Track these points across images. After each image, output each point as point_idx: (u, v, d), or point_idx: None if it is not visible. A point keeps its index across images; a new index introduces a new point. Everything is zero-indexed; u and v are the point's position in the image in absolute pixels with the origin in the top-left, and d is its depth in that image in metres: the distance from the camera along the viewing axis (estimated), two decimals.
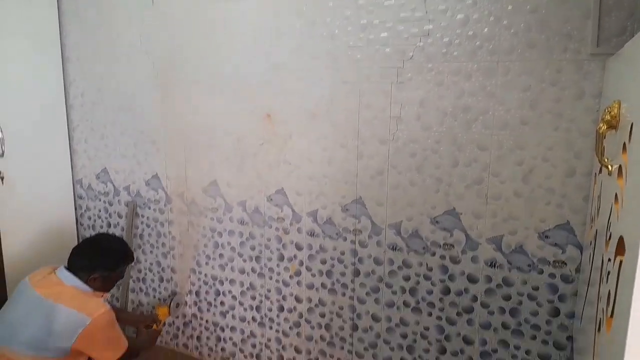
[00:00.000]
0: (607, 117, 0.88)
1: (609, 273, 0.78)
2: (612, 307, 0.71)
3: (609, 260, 0.79)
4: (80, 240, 2.45)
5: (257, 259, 2.05)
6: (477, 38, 1.50)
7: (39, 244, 2.28)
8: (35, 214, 2.26)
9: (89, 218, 2.48)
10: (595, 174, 1.28)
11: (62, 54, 2.33)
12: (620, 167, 0.80)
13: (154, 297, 2.37)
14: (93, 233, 2.49)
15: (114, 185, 2.36)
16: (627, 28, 1.31)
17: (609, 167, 0.87)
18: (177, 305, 2.23)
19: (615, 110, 0.87)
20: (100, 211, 2.43)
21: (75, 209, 2.49)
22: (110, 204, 2.39)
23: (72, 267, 1.71)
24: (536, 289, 1.55)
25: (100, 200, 2.42)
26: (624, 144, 0.76)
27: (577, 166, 1.42)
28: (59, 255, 2.39)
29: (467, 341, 1.69)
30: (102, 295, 1.75)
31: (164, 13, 2.04)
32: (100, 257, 1.73)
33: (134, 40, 2.14)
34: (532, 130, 1.46)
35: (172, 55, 2.05)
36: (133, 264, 2.29)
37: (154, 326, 2.09)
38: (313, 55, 1.75)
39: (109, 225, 2.42)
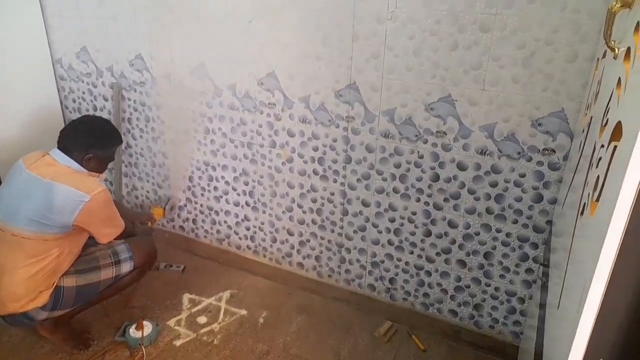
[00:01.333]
0: None
1: (600, 159, 0.78)
2: (600, 192, 0.71)
3: (602, 146, 0.78)
4: (66, 122, 2.42)
5: (249, 145, 2.04)
6: None
7: (26, 127, 2.24)
8: (19, 97, 2.18)
9: (74, 100, 2.41)
10: (598, 58, 1.22)
11: None
12: (628, 49, 0.75)
13: (147, 181, 2.40)
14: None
15: (95, 66, 2.25)
16: None
17: (616, 49, 0.82)
18: (172, 207, 2.30)
19: None
20: (84, 93, 2.36)
21: (58, 90, 2.41)
22: (95, 86, 2.31)
23: (63, 149, 1.70)
24: (523, 176, 1.57)
25: (83, 81, 2.33)
26: (638, 22, 0.70)
27: (580, 50, 1.35)
28: (46, 138, 2.36)
29: (452, 225, 1.76)
30: (98, 176, 1.76)
31: None
32: (91, 137, 1.71)
33: None
34: (539, 8, 1.36)
35: None
36: (124, 148, 2.28)
37: (148, 224, 2.16)
38: None
39: (95, 108, 2.36)
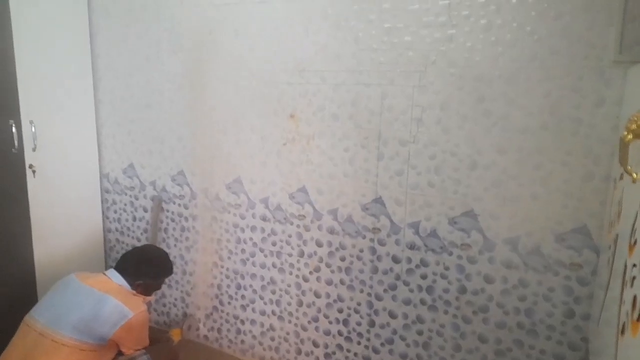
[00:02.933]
0: (634, 126, 0.92)
1: (634, 278, 0.82)
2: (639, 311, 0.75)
3: (634, 265, 0.83)
4: (105, 231, 2.56)
5: (278, 254, 2.11)
6: (500, 44, 1.54)
7: (67, 236, 2.37)
8: (63, 206, 2.34)
9: (115, 212, 2.57)
10: (615, 179, 1.31)
11: (91, 50, 2.41)
12: None
13: (177, 289, 2.45)
14: (118, 226, 2.58)
15: (139, 180, 2.44)
16: None
17: (634, 175, 0.91)
18: (190, 327, 2.38)
19: None
20: (126, 205, 2.52)
21: (102, 202, 2.58)
22: (137, 198, 2.47)
23: (120, 270, 1.91)
24: (552, 290, 1.58)
25: (126, 194, 2.51)
26: None
27: (595, 171, 1.45)
28: (85, 247, 2.49)
29: (482, 339, 1.73)
30: (144, 299, 1.93)
31: (193, 11, 2.10)
32: (147, 267, 1.96)
33: (162, 37, 2.21)
34: (552, 135, 1.49)
35: (201, 53, 2.12)
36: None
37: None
38: (337, 57, 1.81)
39: (134, 218, 2.51)
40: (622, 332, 0.84)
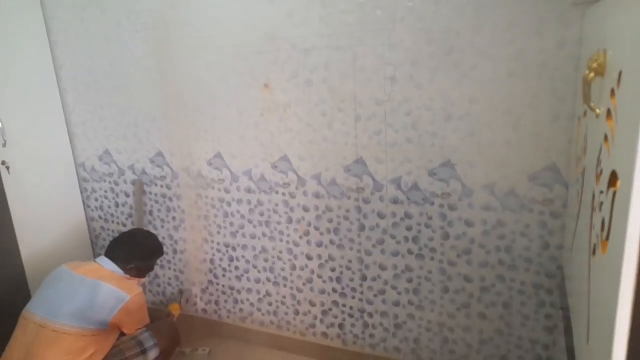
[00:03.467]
0: (594, 64, 0.98)
1: (601, 203, 0.91)
2: (608, 231, 0.84)
3: (601, 192, 0.92)
4: (88, 220, 2.55)
5: (267, 223, 2.16)
6: None
7: (50, 229, 2.35)
8: (42, 200, 2.31)
9: (96, 200, 2.55)
10: (579, 117, 1.40)
11: (48, 37, 2.32)
12: (608, 110, 0.91)
13: (169, 268, 2.48)
14: (101, 214, 2.56)
15: (117, 166, 2.42)
16: None
17: (597, 110, 0.98)
18: (187, 300, 2.44)
19: (602, 59, 0.97)
20: (106, 192, 2.50)
21: (81, 191, 2.55)
22: (116, 184, 2.45)
23: (110, 257, 1.94)
24: (527, 226, 1.70)
25: (105, 181, 2.48)
26: (612, 89, 0.87)
27: (560, 111, 1.54)
28: (70, 238, 2.47)
29: (467, 279, 1.86)
30: (138, 281, 1.97)
31: None
32: (137, 250, 1.99)
33: (120, 16, 2.14)
34: (519, 80, 1.57)
35: (164, 31, 2.07)
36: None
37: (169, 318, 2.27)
38: (305, 21, 1.81)
39: (117, 204, 2.50)
40: (594, 252, 0.94)
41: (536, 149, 1.61)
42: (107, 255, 1.95)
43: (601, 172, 0.92)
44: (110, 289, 1.79)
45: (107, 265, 1.90)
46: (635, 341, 0.69)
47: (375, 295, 2.06)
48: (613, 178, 0.78)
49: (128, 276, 1.93)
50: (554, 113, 1.56)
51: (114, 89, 2.28)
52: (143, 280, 2.03)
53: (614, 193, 0.76)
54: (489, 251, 1.79)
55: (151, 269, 2.10)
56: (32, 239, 2.24)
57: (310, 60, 1.84)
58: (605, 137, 0.89)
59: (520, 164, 1.64)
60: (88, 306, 1.74)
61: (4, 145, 2.11)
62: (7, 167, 2.12)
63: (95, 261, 1.93)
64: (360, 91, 1.80)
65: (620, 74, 0.80)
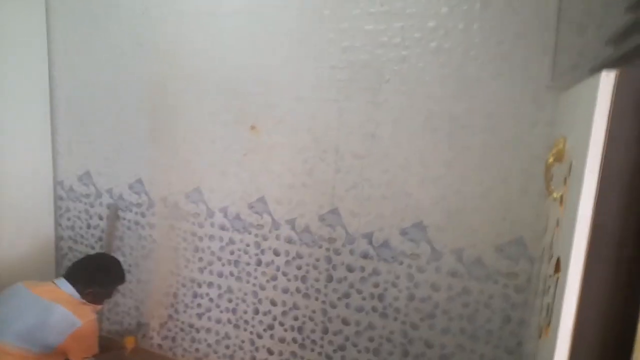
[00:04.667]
0: (555, 150, 1.03)
1: (549, 287, 0.93)
2: (550, 317, 0.84)
3: (550, 276, 0.93)
4: (57, 239, 2.51)
5: (236, 263, 2.14)
6: (447, 66, 1.65)
7: (17, 241, 2.31)
8: (14, 212, 2.29)
9: (68, 219, 2.52)
10: (545, 195, 1.44)
11: (48, 56, 2.38)
12: (562, 196, 0.94)
13: (131, 297, 2.42)
14: (72, 234, 2.53)
15: (96, 188, 2.41)
16: (578, 65, 1.49)
17: (554, 194, 1.02)
18: (144, 335, 2.39)
19: (562, 145, 1.02)
20: (80, 212, 2.48)
21: (55, 209, 2.53)
22: (92, 206, 2.44)
23: (69, 279, 1.88)
24: (491, 297, 1.70)
25: (81, 202, 2.47)
26: (565, 178, 0.90)
27: (530, 187, 1.59)
28: (36, 255, 2.43)
29: (428, 345, 1.83)
30: (93, 307, 1.91)
31: (156, 22, 2.12)
32: (98, 275, 1.94)
33: (124, 45, 2.21)
34: (491, 153, 1.62)
35: (162, 64, 2.14)
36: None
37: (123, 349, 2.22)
38: (297, 73, 1.88)
39: (89, 226, 2.47)
40: (540, 336, 0.94)
41: (504, 220, 1.64)
42: (66, 277, 1.90)
43: (552, 256, 0.94)
44: (63, 312, 1.74)
45: (65, 287, 1.86)
46: None
47: (335, 351, 2.01)
48: (557, 264, 0.80)
49: (84, 301, 1.87)
50: (523, 188, 1.60)
51: (106, 112, 2.32)
52: (99, 307, 1.97)
53: (557, 280, 0.78)
54: (452, 318, 1.78)
55: (109, 296, 2.05)
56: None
57: (298, 108, 1.90)
58: (557, 223, 0.92)
59: (488, 234, 1.66)
60: (38, 327, 1.69)
61: None
62: None
63: (53, 282, 1.88)
64: (343, 144, 1.85)
65: (570, 164, 0.83)
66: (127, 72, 2.23)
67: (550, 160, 1.03)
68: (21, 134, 2.30)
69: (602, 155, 0.63)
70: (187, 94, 2.11)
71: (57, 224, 2.55)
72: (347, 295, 1.94)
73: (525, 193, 1.60)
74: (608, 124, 0.64)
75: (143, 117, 2.23)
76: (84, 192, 2.45)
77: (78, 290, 1.87)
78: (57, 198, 2.53)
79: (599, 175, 0.64)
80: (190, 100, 2.10)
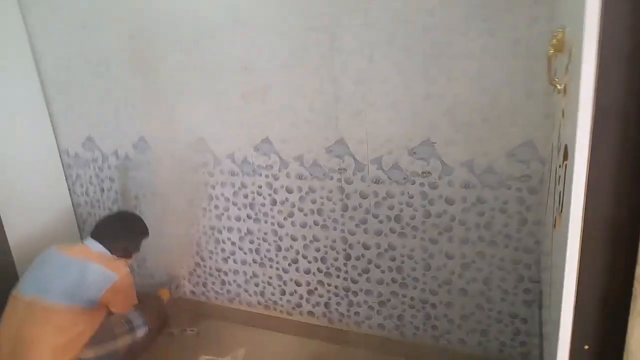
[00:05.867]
0: (555, 41, 1.00)
1: (559, 177, 0.93)
2: (561, 205, 0.86)
3: (559, 166, 0.94)
4: (74, 206, 2.56)
5: (251, 205, 2.18)
6: None
7: (37, 215, 2.37)
8: (28, 188, 2.32)
9: (81, 185, 2.55)
10: (552, 93, 1.42)
11: (26, 28, 2.29)
12: (565, 86, 0.92)
13: (157, 251, 2.50)
14: (87, 199, 2.57)
15: (101, 151, 2.42)
16: None
17: (557, 86, 1.00)
18: (177, 286, 2.47)
19: (560, 36, 0.98)
20: (91, 177, 2.50)
21: (66, 178, 2.55)
22: (101, 170, 2.46)
23: (97, 238, 1.96)
24: (506, 202, 1.72)
25: (89, 167, 2.48)
26: (567, 66, 0.88)
27: (536, 87, 1.55)
28: (57, 225, 2.49)
29: (449, 256, 1.89)
30: (125, 261, 2.00)
31: None
32: (124, 231, 2.04)
33: (101, 6, 2.12)
34: (493, 58, 1.57)
35: (145, 20, 2.05)
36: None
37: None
38: (282, 4, 1.80)
39: (102, 190, 2.50)
40: (554, 225, 0.96)
41: (513, 125, 1.62)
42: (93, 236, 1.97)
43: (559, 147, 0.93)
44: (98, 268, 1.82)
45: (94, 246, 1.93)
46: (581, 308, 0.72)
47: (359, 274, 2.09)
48: (565, 152, 0.80)
49: (115, 257, 1.95)
50: (529, 90, 1.56)
51: (94, 76, 2.27)
52: (130, 261, 2.05)
53: (566, 167, 0.78)
54: (469, 228, 1.82)
55: (137, 249, 2.13)
56: (19, 226, 2.25)
57: (288, 42, 1.83)
58: (563, 113, 0.90)
59: (498, 141, 1.66)
60: (78, 285, 1.78)
61: None
62: None
63: (83, 243, 1.96)
64: (340, 72, 1.80)
65: (570, 52, 0.81)
66: (108, 35, 2.15)
67: (551, 51, 1.00)
68: (18, 110, 2.28)
69: (599, 31, 0.61)
70: (172, 44, 2.04)
71: (72, 192, 2.59)
72: (364, 221, 1.99)
73: (531, 95, 1.57)
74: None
75: (133, 74, 2.18)
76: (90, 157, 2.46)
77: (107, 248, 1.94)
78: (66, 166, 2.55)
79: (597, 53, 0.61)
80: (176, 51, 2.04)
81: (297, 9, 1.78)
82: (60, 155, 2.51)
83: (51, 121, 2.45)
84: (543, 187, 1.63)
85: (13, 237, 2.22)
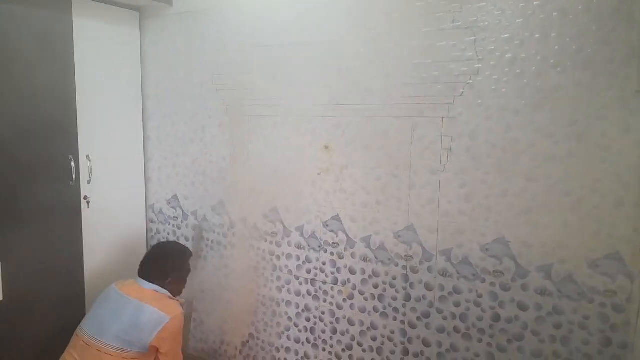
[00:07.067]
0: None
1: None
2: None
3: None
4: None
5: (313, 281, 2.17)
6: (524, 76, 1.61)
7: (114, 262, 2.52)
8: (112, 235, 2.50)
9: (158, 241, 2.71)
10: None
11: (142, 91, 2.62)
12: None
13: (214, 316, 2.53)
14: None
15: (182, 210, 2.58)
16: None
17: None
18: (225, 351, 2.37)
19: None
20: (169, 234, 2.66)
21: (147, 231, 2.73)
22: (179, 228, 2.61)
23: (146, 277, 1.99)
24: (587, 317, 1.57)
25: (169, 224, 2.65)
26: None
27: (625, 197, 1.47)
28: (131, 273, 2.61)
29: None
30: (178, 301, 2.00)
31: (234, 54, 2.28)
32: (167, 262, 2.04)
33: (206, 79, 2.39)
34: (579, 162, 1.53)
35: (240, 92, 2.28)
36: (198, 286, 2.48)
37: None
38: (369, 92, 1.92)
39: None
40: None
41: (597, 234, 1.53)
42: (142, 276, 2.00)
43: None
44: (151, 310, 1.84)
45: (146, 285, 1.95)
46: None
47: None
48: None
49: (169, 295, 1.96)
50: (617, 199, 1.49)
51: (190, 140, 2.49)
52: (183, 301, 2.06)
53: None
54: (543, 340, 1.66)
55: (189, 271, 2.14)
56: (96, 268, 2.40)
57: (370, 126, 1.93)
58: None
59: (580, 248, 1.56)
60: (131, 327, 1.81)
61: (89, 182, 2.34)
62: (88, 202, 2.34)
63: (136, 282, 1.99)
64: (416, 159, 1.84)
65: None
66: (207, 102, 2.40)
67: None
68: (118, 163, 2.53)
69: None
70: (263, 119, 2.22)
71: (149, 245, 2.75)
72: (426, 315, 1.89)
73: (620, 204, 1.48)
74: None
75: (223, 143, 2.37)
76: (172, 214, 2.63)
77: (159, 285, 1.96)
78: (149, 221, 2.73)
79: None
80: (267, 125, 2.21)
81: (384, 97, 1.88)
82: (146, 210, 2.71)
83: (145, 177, 2.69)
84: (631, 307, 1.48)
85: (89, 273, 2.36)
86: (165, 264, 2.03)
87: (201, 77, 2.41)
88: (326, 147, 2.05)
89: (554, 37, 1.56)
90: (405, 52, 1.82)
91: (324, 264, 2.13)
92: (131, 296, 1.89)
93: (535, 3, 1.58)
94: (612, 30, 1.46)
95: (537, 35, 1.58)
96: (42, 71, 2.10)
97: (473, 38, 1.69)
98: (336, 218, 2.06)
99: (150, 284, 1.96)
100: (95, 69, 2.34)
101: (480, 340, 1.78)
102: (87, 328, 1.87)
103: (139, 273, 2.02)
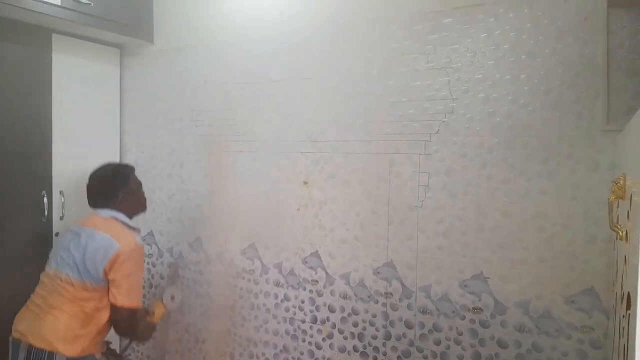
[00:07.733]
0: (615, 188, 1.00)
1: (623, 328, 0.87)
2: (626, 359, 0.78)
3: (623, 316, 0.88)
4: None
5: (291, 321, 2.12)
6: (497, 115, 1.66)
7: None
8: None
9: None
10: (614, 240, 1.37)
11: (120, 126, 2.61)
12: (626, 233, 0.90)
13: (189, 358, 2.43)
14: None
15: (158, 247, 2.52)
16: (634, 107, 1.45)
17: (619, 232, 0.98)
18: (172, 297, 2.22)
19: (622, 182, 0.99)
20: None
21: None
22: (154, 266, 2.54)
23: (97, 206, 1.89)
24: (565, 354, 1.57)
25: (144, 261, 2.57)
26: (627, 212, 0.87)
27: (597, 233, 1.51)
28: None
29: None
30: (138, 233, 1.91)
31: (215, 91, 2.30)
32: (106, 182, 1.90)
33: (185, 115, 2.40)
34: (551, 199, 1.57)
35: (219, 128, 2.29)
36: (172, 324, 2.39)
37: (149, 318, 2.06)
38: (347, 128, 1.95)
39: (151, 286, 2.56)
40: None
41: (572, 270, 1.55)
42: (93, 206, 1.89)
43: (622, 295, 0.88)
44: (102, 237, 1.76)
45: (103, 213, 1.86)
46: None
47: None
48: (628, 300, 0.75)
49: (129, 223, 1.87)
50: (589, 234, 1.52)
51: (168, 176, 2.47)
52: (139, 229, 1.95)
53: (629, 316, 0.73)
54: None
55: (138, 184, 1.99)
56: None
57: (349, 163, 1.95)
58: (625, 260, 0.87)
59: (555, 284, 1.57)
60: (85, 256, 1.73)
61: (62, 218, 2.28)
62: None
63: (94, 213, 1.88)
64: (395, 195, 1.85)
65: (631, 197, 0.81)
66: (185, 138, 2.39)
67: (612, 197, 1.00)
68: None
69: None
70: (241, 155, 2.22)
71: None
72: (407, 354, 1.86)
73: (592, 240, 1.52)
74: None
75: (201, 178, 2.35)
76: (147, 251, 2.56)
77: (112, 207, 1.86)
78: None
79: None
80: (245, 160, 2.21)
81: (362, 134, 1.91)
82: None
83: None
84: (607, 343, 1.49)
85: None
86: (106, 184, 1.89)
87: (180, 113, 2.42)
88: (305, 183, 2.05)
89: (523, 79, 1.63)
90: (383, 91, 1.87)
91: (302, 302, 2.09)
92: (86, 226, 1.82)
93: (504, 46, 1.66)
94: (577, 73, 1.54)
95: (507, 77, 1.65)
96: (17, 106, 2.08)
97: (447, 78, 1.75)
98: (315, 254, 2.04)
99: (107, 210, 1.86)
100: (72, 104, 2.33)
101: None
102: (50, 264, 1.82)
103: (90, 205, 1.91)
